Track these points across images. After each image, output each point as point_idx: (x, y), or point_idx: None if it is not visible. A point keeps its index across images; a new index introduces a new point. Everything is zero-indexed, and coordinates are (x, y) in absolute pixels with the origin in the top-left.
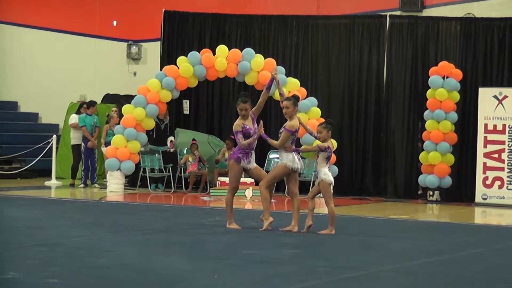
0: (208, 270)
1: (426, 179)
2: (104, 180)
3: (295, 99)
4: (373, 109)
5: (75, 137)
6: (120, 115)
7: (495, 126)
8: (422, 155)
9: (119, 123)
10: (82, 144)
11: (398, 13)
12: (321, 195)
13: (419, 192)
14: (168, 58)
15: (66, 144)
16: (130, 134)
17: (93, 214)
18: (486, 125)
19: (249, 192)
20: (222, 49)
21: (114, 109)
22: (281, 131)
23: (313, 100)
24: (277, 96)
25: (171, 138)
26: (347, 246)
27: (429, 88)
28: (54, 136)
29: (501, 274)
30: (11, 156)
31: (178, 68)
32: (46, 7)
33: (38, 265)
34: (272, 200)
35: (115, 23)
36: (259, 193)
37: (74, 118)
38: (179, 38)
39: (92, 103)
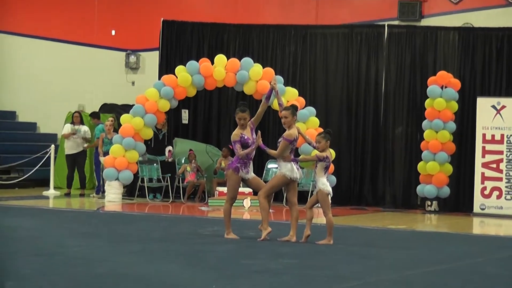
0: (206, 280)
1: (424, 189)
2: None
3: (293, 108)
4: (371, 119)
5: (68, 147)
6: (118, 125)
7: (493, 136)
8: (420, 165)
9: (117, 132)
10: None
11: (396, 22)
12: (319, 205)
13: (418, 203)
14: (166, 67)
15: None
16: (128, 144)
17: (91, 224)
18: (484, 135)
19: (247, 202)
20: (220, 58)
21: (111, 118)
22: (279, 140)
23: (311, 109)
24: (275, 106)
25: (170, 147)
26: (345, 256)
27: (428, 97)
28: (52, 145)
29: (499, 284)
30: (9, 166)
31: (177, 77)
32: (44, 17)
33: (36, 274)
34: (271, 210)
35: (113, 32)
36: (258, 203)
37: (66, 128)
38: (178, 48)
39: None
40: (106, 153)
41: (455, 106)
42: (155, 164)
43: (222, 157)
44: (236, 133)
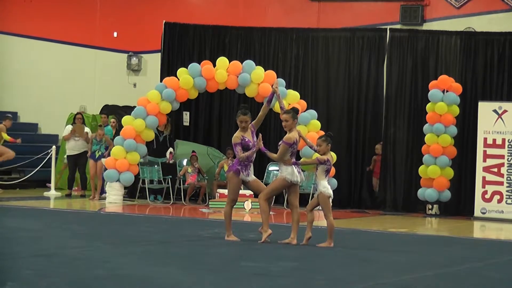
0: (207, 282)
1: (425, 192)
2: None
3: (294, 112)
4: (372, 122)
5: (69, 148)
6: (120, 126)
7: (494, 140)
8: (421, 169)
9: (118, 134)
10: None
11: (398, 26)
12: (320, 208)
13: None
14: (168, 69)
15: None
16: (130, 146)
17: (91, 225)
18: (485, 139)
19: (248, 204)
20: (222, 61)
21: (113, 120)
22: (280, 143)
23: (312, 112)
24: (277, 109)
25: (171, 149)
26: (345, 259)
27: (429, 101)
28: (54, 146)
29: None
30: (10, 167)
31: (178, 79)
32: (47, 18)
33: (36, 275)
34: (271, 213)
35: (115, 34)
36: (258, 205)
37: (67, 130)
38: (179, 50)
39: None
40: (92, 154)
41: (456, 110)
42: (156, 166)
43: (228, 159)
44: (237, 136)
